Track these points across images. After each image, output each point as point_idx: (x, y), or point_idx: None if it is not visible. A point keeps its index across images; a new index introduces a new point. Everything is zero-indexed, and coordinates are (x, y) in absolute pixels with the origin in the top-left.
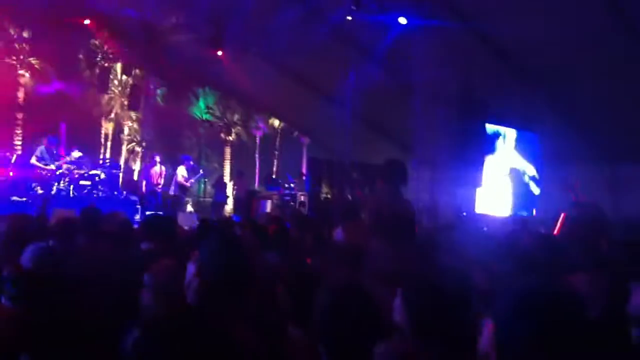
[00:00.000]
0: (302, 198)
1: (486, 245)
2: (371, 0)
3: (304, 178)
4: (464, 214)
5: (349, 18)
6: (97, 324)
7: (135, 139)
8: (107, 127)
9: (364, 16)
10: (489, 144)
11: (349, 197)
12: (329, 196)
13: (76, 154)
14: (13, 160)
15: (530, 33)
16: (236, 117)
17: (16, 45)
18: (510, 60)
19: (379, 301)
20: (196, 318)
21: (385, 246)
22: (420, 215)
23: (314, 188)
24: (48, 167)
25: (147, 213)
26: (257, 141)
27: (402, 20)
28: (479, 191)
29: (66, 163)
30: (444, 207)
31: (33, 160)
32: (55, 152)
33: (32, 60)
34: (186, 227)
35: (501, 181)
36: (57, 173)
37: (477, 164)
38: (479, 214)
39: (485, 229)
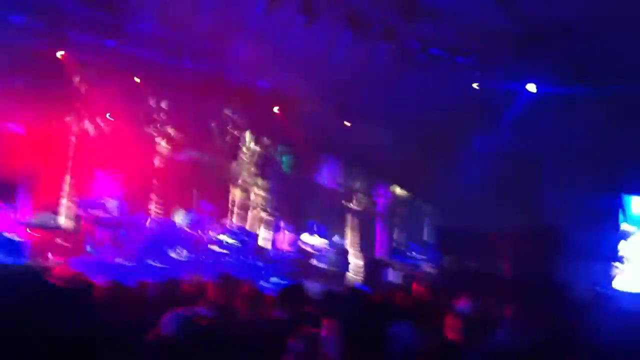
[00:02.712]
0: (428, 269)
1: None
2: (500, 67)
3: (427, 246)
4: (599, 289)
5: (475, 85)
6: None
7: (261, 206)
8: (236, 194)
9: (491, 83)
10: (625, 214)
11: (477, 267)
12: (453, 265)
13: (224, 220)
14: (149, 224)
15: None
16: (358, 184)
17: (155, 115)
18: None
19: None
20: None
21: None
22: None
23: (439, 257)
24: (195, 233)
25: (273, 279)
26: (380, 209)
27: (532, 88)
28: (616, 266)
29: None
30: (578, 282)
31: (182, 226)
32: (200, 217)
33: (169, 129)
34: (312, 296)
35: None
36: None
37: (613, 236)
38: (617, 291)
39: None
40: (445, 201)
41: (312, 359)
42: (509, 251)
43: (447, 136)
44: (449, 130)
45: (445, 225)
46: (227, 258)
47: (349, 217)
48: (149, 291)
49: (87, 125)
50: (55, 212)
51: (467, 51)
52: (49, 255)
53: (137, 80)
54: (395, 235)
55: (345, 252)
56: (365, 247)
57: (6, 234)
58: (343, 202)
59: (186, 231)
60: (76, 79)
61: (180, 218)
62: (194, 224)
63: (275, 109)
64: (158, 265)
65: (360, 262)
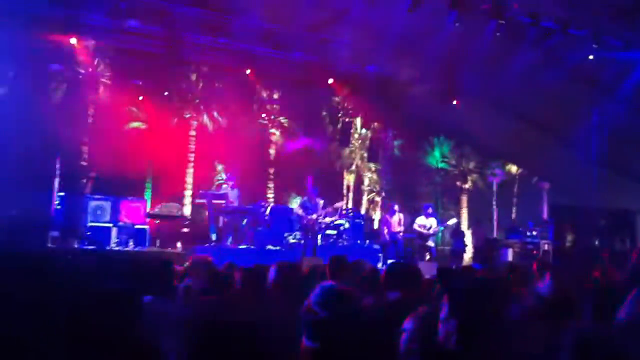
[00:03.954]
0: (546, 247)
1: None
2: (614, 36)
3: (547, 225)
4: None
5: (591, 57)
6: None
7: (374, 189)
8: (349, 179)
9: (606, 54)
10: None
11: (597, 245)
12: (574, 245)
13: (338, 204)
14: (268, 212)
15: None
16: (472, 164)
17: (267, 107)
18: None
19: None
20: None
21: None
22: None
23: (558, 236)
24: (309, 217)
25: (389, 261)
26: (495, 188)
27: None
28: None
29: (327, 215)
30: None
31: (297, 209)
32: (315, 202)
33: (282, 119)
34: (427, 276)
35: None
36: (319, 221)
37: None
38: None
39: None
40: (562, 178)
41: (427, 338)
42: (628, 229)
43: (562, 112)
44: (564, 106)
45: (563, 203)
46: (343, 242)
47: (463, 198)
48: (269, 273)
49: (206, 120)
50: (180, 203)
51: (580, 22)
52: (178, 243)
53: (248, 72)
54: (512, 215)
55: (461, 233)
56: (482, 228)
57: (137, 226)
58: (457, 183)
59: (302, 217)
60: (192, 77)
61: (296, 204)
62: (310, 210)
63: (384, 94)
64: (276, 249)
65: (477, 243)
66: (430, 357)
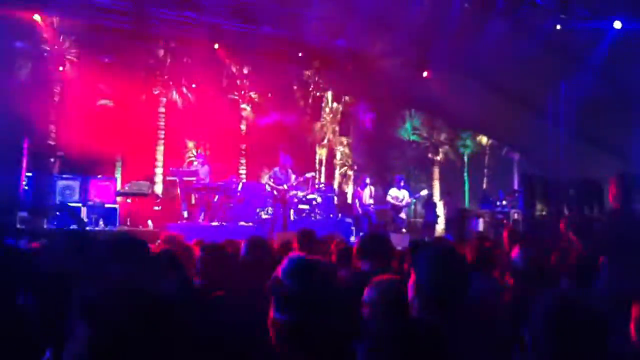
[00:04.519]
0: (516, 216)
1: None
2: (582, 6)
3: (517, 195)
4: None
5: (558, 27)
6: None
7: (347, 163)
8: (321, 153)
9: (574, 23)
10: None
11: (567, 215)
12: (544, 214)
13: (308, 174)
14: (240, 188)
15: None
16: (443, 136)
17: (237, 82)
18: None
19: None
20: (419, 331)
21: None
22: None
23: (528, 205)
24: (280, 187)
25: (361, 234)
26: (465, 160)
27: (617, 25)
28: None
29: (295, 187)
30: None
31: (267, 182)
32: (286, 173)
33: (252, 94)
34: (399, 248)
35: None
36: (290, 194)
37: None
38: None
39: None
40: (533, 149)
41: (390, 308)
42: (596, 197)
43: (533, 82)
44: (534, 77)
45: (532, 172)
46: (315, 216)
47: (435, 170)
48: (239, 249)
49: (175, 96)
50: (151, 181)
51: None
52: (149, 222)
53: (216, 47)
54: (484, 186)
55: (433, 204)
56: (453, 199)
57: (107, 205)
58: (429, 155)
59: (272, 187)
60: (160, 52)
61: (270, 181)
62: (280, 180)
63: (355, 67)
64: (248, 225)
65: (448, 214)
66: (391, 326)
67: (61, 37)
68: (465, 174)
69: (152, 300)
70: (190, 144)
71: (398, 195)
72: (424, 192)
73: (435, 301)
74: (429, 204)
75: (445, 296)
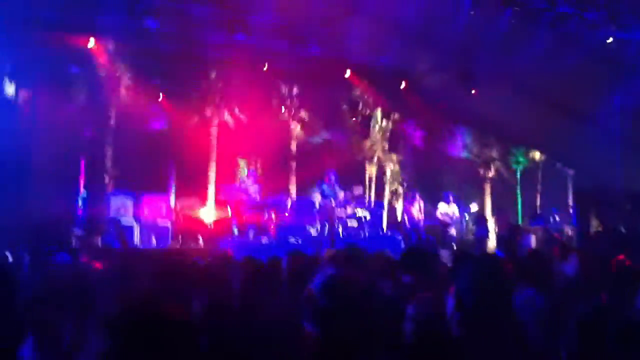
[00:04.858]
0: (570, 232)
1: None
2: (630, 16)
3: (570, 211)
4: None
5: (610, 40)
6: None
7: (397, 180)
8: (371, 171)
9: (625, 35)
10: None
11: (622, 230)
12: (599, 230)
13: (357, 189)
14: (289, 205)
15: None
16: (494, 152)
17: (287, 102)
18: None
19: None
20: (455, 348)
21: None
22: None
23: (582, 221)
24: (327, 202)
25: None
26: (518, 176)
27: None
28: None
29: (343, 204)
30: None
31: (315, 195)
32: (334, 189)
33: (302, 114)
34: (449, 264)
35: None
36: (338, 210)
37: None
38: None
39: None
40: (586, 163)
41: (432, 324)
42: None
43: (583, 94)
44: (585, 90)
45: (586, 187)
46: (365, 232)
47: (487, 187)
48: (282, 264)
49: (226, 116)
50: (203, 199)
51: (596, 5)
52: (199, 238)
53: (265, 68)
54: (537, 202)
55: (484, 219)
56: (505, 215)
57: (160, 221)
58: (480, 171)
59: (321, 205)
60: (212, 75)
61: (318, 197)
62: (328, 196)
63: (402, 85)
64: (296, 241)
65: (500, 230)
66: (430, 342)
67: (115, 62)
68: (518, 191)
69: (170, 322)
70: (242, 163)
71: (447, 210)
72: (474, 207)
73: (475, 316)
74: (480, 220)
75: (486, 311)
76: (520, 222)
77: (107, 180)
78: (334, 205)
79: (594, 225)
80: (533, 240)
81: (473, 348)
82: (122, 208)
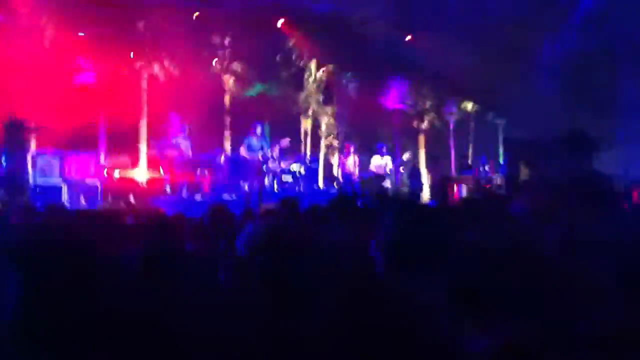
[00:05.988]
0: (499, 181)
1: None
2: None
3: (500, 160)
4: None
5: None
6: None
7: (332, 133)
8: (306, 124)
9: None
10: None
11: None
12: (528, 178)
13: (283, 141)
14: (222, 161)
15: None
16: (428, 104)
17: (220, 53)
18: None
19: None
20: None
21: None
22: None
23: (511, 169)
24: (254, 156)
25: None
26: (451, 127)
27: None
28: None
29: (271, 159)
30: None
31: (242, 151)
32: (265, 142)
33: (235, 66)
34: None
35: None
36: (268, 166)
37: None
38: None
39: None
40: (518, 112)
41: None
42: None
43: (516, 44)
44: (518, 37)
45: (517, 136)
46: (299, 187)
47: (420, 138)
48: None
49: (157, 69)
50: (133, 157)
51: None
52: (131, 197)
53: (195, 15)
54: (469, 152)
55: (418, 172)
56: (438, 166)
57: (88, 181)
58: (415, 122)
59: (247, 159)
60: (140, 25)
61: (244, 151)
62: (254, 149)
63: (337, 34)
64: (231, 198)
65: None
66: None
67: (38, 11)
68: (451, 142)
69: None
70: (174, 118)
71: (381, 162)
72: (407, 156)
73: (396, 254)
74: (414, 173)
75: (407, 249)
76: (453, 172)
77: (30, 138)
78: (260, 157)
79: (524, 172)
80: (464, 190)
81: (394, 285)
82: (47, 167)
